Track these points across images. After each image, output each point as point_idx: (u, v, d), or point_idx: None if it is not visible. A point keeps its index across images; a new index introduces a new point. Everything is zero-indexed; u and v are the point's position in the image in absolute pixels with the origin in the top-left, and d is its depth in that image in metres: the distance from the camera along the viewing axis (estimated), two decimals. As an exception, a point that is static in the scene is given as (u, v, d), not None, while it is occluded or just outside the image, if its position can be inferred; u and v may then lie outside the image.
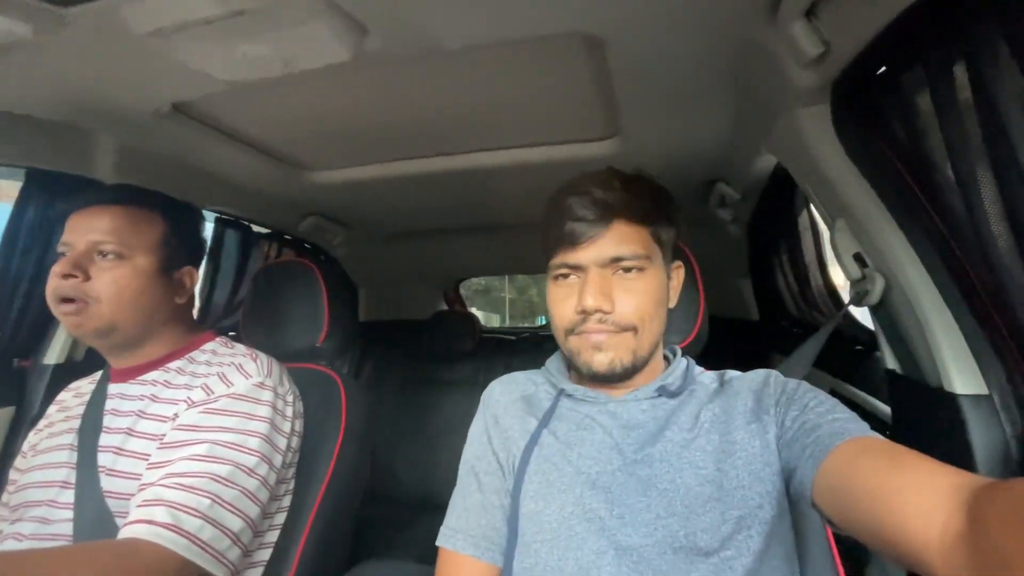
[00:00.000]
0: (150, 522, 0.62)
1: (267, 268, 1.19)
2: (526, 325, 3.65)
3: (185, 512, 0.64)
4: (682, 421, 0.62)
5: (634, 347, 0.63)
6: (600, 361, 0.62)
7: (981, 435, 0.59)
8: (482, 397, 0.76)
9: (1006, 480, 0.35)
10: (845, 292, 1.02)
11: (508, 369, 1.94)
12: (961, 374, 0.62)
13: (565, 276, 0.65)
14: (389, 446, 1.90)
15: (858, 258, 0.75)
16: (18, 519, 0.75)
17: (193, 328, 0.91)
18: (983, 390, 0.60)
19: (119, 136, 0.96)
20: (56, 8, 0.53)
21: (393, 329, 2.21)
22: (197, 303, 1.45)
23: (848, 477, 0.46)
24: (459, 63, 0.77)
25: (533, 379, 0.76)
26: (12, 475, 0.84)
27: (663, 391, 0.66)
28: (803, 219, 1.10)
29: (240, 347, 0.89)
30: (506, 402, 0.72)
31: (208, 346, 0.88)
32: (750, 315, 1.74)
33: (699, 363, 0.72)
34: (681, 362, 0.70)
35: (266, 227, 1.61)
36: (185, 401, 0.76)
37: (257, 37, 0.60)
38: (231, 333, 1.43)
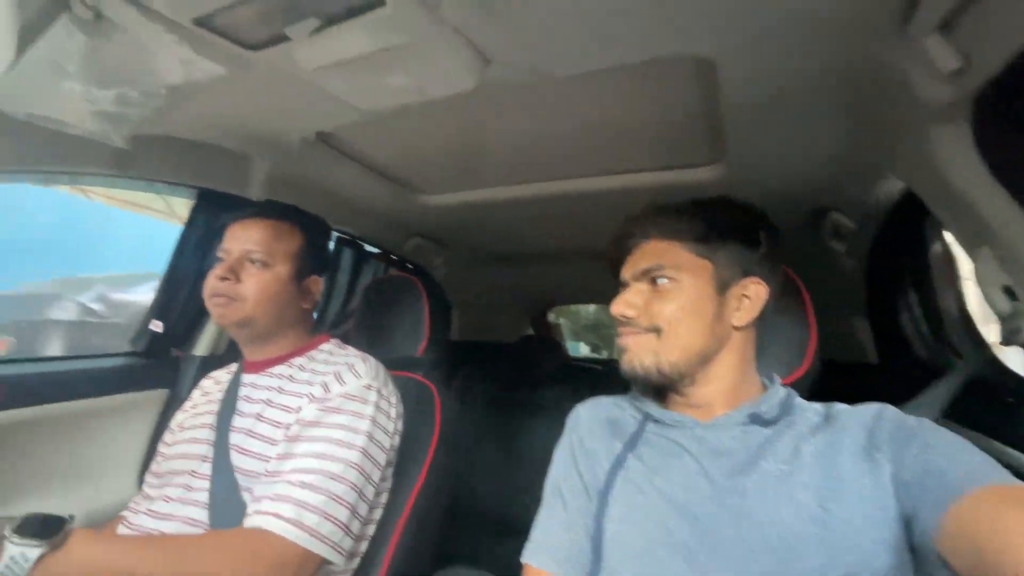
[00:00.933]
0: (278, 516, 0.71)
1: (377, 281, 1.30)
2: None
3: (306, 509, 0.72)
4: (779, 452, 0.59)
5: (655, 348, 0.65)
6: (624, 362, 0.68)
7: None
8: (568, 419, 0.78)
9: None
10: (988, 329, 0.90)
11: (595, 396, 1.91)
12: None
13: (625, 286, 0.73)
14: (471, 463, 1.93)
15: (1008, 291, 0.67)
16: (165, 484, 0.87)
17: (313, 330, 1.02)
18: None
19: (269, 161, 1.12)
20: (246, 52, 0.65)
21: (481, 349, 2.28)
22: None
23: (985, 529, 0.41)
24: (567, 89, 0.82)
25: (619, 403, 0.76)
26: (161, 448, 0.97)
27: (755, 418, 0.63)
28: (935, 249, 0.99)
29: (352, 349, 0.98)
30: (591, 424, 0.73)
31: (325, 347, 0.98)
32: (867, 358, 1.58)
33: None
34: (778, 390, 0.67)
35: (375, 246, 1.76)
36: (307, 396, 0.85)
37: (398, 69, 0.69)
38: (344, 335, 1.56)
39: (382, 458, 0.85)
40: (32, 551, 0.53)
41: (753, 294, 0.68)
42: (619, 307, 0.68)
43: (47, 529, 0.55)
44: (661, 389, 0.70)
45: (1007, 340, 0.68)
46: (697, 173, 1.10)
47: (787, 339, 0.80)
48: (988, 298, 0.71)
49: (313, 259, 0.99)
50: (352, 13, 0.56)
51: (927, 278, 1.05)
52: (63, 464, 1.04)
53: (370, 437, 0.83)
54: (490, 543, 1.68)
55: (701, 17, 0.61)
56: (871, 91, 0.72)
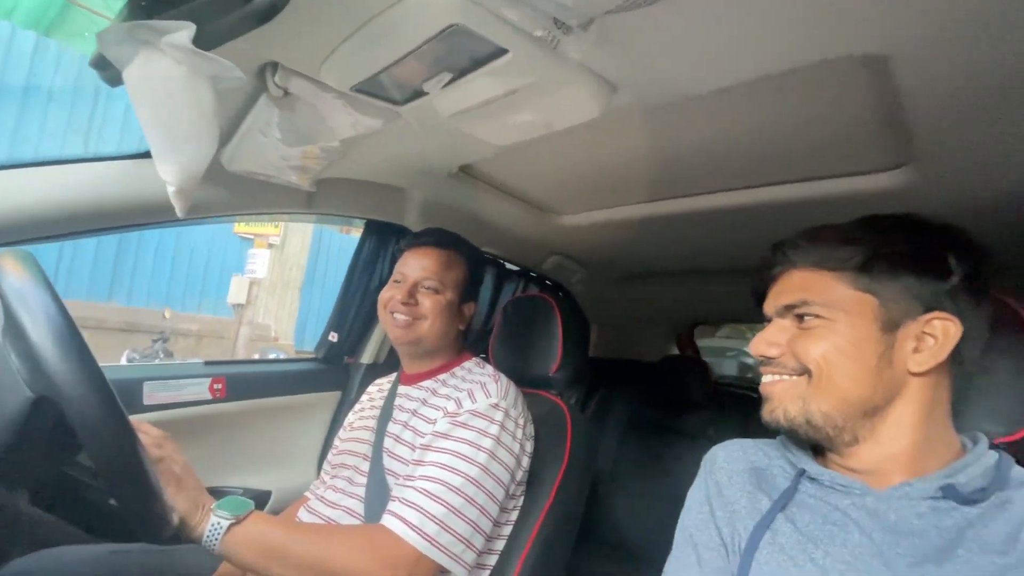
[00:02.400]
0: (400, 518, 0.78)
1: (514, 301, 1.35)
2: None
3: (427, 517, 0.78)
4: (988, 539, 0.47)
5: (803, 394, 0.56)
6: (766, 411, 0.60)
7: None
8: (703, 461, 0.70)
9: None
10: None
11: (743, 426, 1.76)
12: None
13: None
14: (609, 484, 1.89)
15: None
16: (336, 475, 1.01)
17: (462, 349, 1.10)
18: None
19: (421, 192, 1.24)
20: (395, 106, 0.74)
21: (622, 368, 2.22)
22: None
23: None
24: (710, 105, 0.76)
25: (765, 450, 0.66)
26: (336, 442, 1.14)
27: (950, 491, 0.50)
28: None
29: (489, 368, 1.04)
30: (731, 471, 0.65)
31: (467, 364, 1.05)
32: None
33: None
34: (986, 454, 0.53)
35: (515, 264, 1.84)
36: (442, 410, 0.92)
37: (524, 107, 0.72)
38: (482, 355, 1.66)
39: (506, 476, 0.88)
40: (224, 522, 0.68)
41: (940, 332, 0.54)
42: (759, 346, 0.61)
43: (239, 506, 0.70)
44: (816, 447, 0.60)
45: None
46: (876, 180, 0.93)
47: (1009, 387, 0.63)
48: None
49: (472, 286, 1.09)
50: (479, 63, 0.61)
51: None
52: (262, 449, 1.29)
53: (492, 455, 0.86)
54: (624, 570, 1.62)
55: (860, 14, 0.53)
56: None
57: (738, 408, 1.82)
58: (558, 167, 1.10)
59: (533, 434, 1.00)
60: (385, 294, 1.02)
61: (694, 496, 0.68)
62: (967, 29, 0.53)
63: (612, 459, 1.93)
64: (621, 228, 1.37)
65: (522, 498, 0.97)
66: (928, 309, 0.54)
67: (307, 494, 1.08)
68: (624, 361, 2.25)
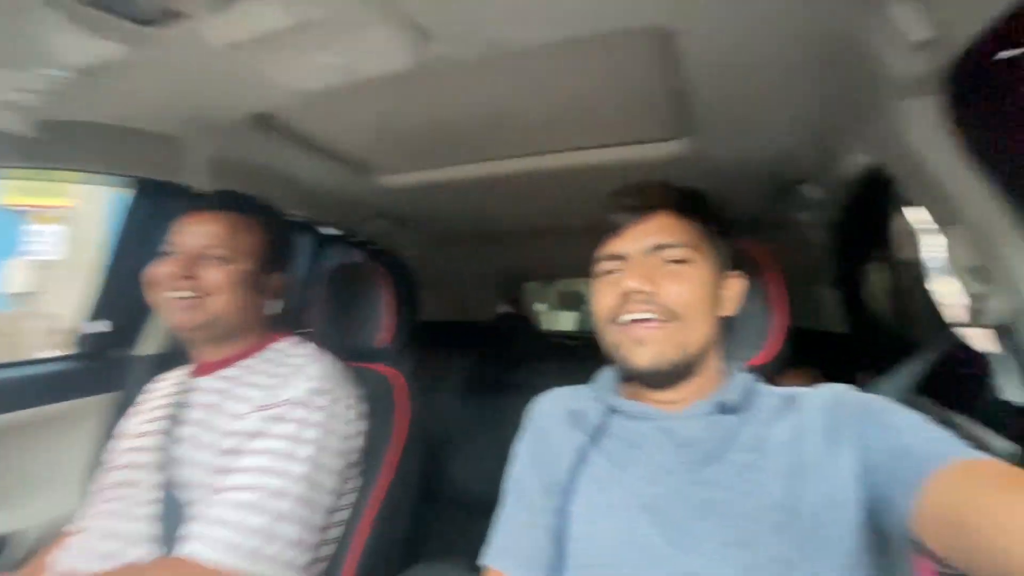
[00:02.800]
0: (211, 542, 0.66)
1: (334, 270, 1.24)
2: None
3: (244, 533, 0.67)
4: (745, 440, 0.57)
5: (680, 340, 0.59)
6: (642, 355, 0.59)
7: None
8: (527, 412, 0.74)
9: None
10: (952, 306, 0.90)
11: (569, 374, 1.90)
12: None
13: (610, 272, 0.64)
14: (448, 447, 1.92)
15: (978, 271, 0.65)
16: (112, 499, 0.82)
17: (270, 328, 0.96)
18: None
19: (208, 146, 1.03)
20: (142, 28, 0.57)
21: (455, 330, 2.24)
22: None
23: (962, 506, 0.41)
24: (523, 64, 0.76)
25: (581, 394, 0.72)
26: (107, 458, 0.91)
27: (722, 407, 0.61)
28: (900, 224, 0.97)
29: (308, 347, 0.92)
30: (552, 417, 0.70)
31: (279, 344, 0.92)
32: (835, 327, 1.59)
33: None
34: (742, 376, 0.65)
35: (336, 229, 1.68)
36: (250, 402, 0.80)
37: (323, 47, 0.61)
38: (308, 329, 1.50)
39: (338, 463, 0.81)
40: None
41: (739, 287, 0.66)
42: (637, 279, 0.59)
43: None
44: (653, 381, 0.64)
45: (975, 320, 0.66)
46: (665, 147, 1.05)
47: (753, 320, 0.78)
48: (959, 277, 0.69)
49: (277, 254, 0.92)
50: (259, -16, 0.49)
51: (891, 253, 1.04)
52: (2, 481, 0.98)
53: (320, 445, 0.78)
54: (467, 526, 1.69)
55: None
56: (840, 63, 0.68)
57: (564, 356, 1.99)
58: (377, 123, 1.00)
59: (365, 412, 0.94)
60: (155, 271, 0.83)
61: (520, 448, 0.72)
62: (740, 13, 0.60)
63: (453, 420, 1.97)
64: (444, 189, 1.33)
65: (360, 479, 0.91)
66: (726, 267, 0.65)
67: (71, 528, 0.86)
68: (459, 323, 2.27)
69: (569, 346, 2.14)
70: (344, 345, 1.13)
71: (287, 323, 1.51)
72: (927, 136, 0.65)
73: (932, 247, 0.88)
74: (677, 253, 0.60)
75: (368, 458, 0.95)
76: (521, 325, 2.04)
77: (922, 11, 0.52)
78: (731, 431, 0.59)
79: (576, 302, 3.93)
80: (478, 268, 2.20)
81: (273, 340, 0.93)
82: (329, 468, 0.79)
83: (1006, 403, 0.68)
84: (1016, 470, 0.41)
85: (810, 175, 1.07)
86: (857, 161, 0.95)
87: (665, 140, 1.03)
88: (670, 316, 0.59)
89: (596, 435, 0.64)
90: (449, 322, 2.27)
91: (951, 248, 0.68)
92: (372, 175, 1.29)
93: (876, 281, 1.19)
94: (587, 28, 0.64)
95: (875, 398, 0.54)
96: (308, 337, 1.06)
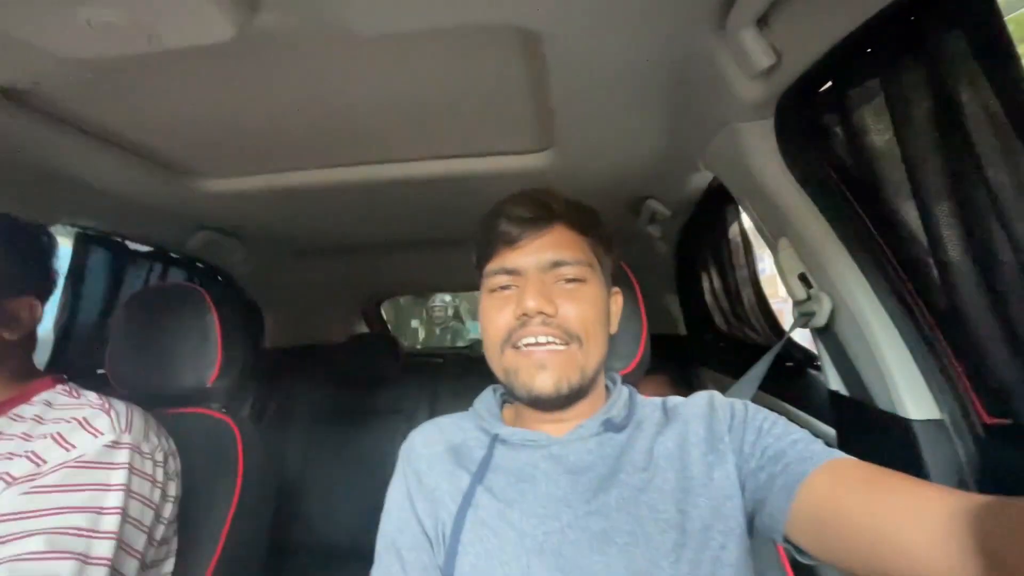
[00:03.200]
0: None
1: (141, 294, 0.99)
2: (459, 345, 3.55)
3: None
4: (635, 459, 0.55)
5: (581, 363, 0.56)
6: (544, 382, 0.55)
7: (936, 460, 0.58)
8: (401, 452, 0.64)
9: (1006, 498, 0.34)
10: (781, 310, 1.02)
11: (435, 395, 1.79)
12: (914, 398, 0.60)
13: (503, 288, 0.59)
14: (299, 490, 1.69)
15: (803, 278, 0.74)
16: None
17: (29, 373, 0.71)
18: (936, 415, 0.59)
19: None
20: None
21: (306, 356, 2.00)
22: (51, 339, 1.20)
23: (831, 507, 0.43)
24: (375, 57, 0.67)
25: (460, 424, 0.65)
26: None
27: (609, 425, 0.58)
28: (734, 234, 1.09)
29: (90, 396, 0.71)
30: (430, 455, 0.61)
31: (42, 396, 0.69)
32: (678, 330, 1.76)
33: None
34: (623, 390, 0.63)
35: (147, 244, 1.37)
36: (2, 478, 0.57)
37: (105, 1, 0.46)
38: (99, 371, 1.18)
39: (142, 538, 0.64)
40: None
41: (616, 303, 0.64)
42: (538, 300, 0.54)
43: None
44: (552, 405, 0.59)
45: (803, 323, 0.75)
46: (526, 160, 1.03)
47: (622, 330, 0.79)
48: (786, 284, 0.77)
49: (16, 272, 0.69)
50: None
51: (727, 261, 1.16)
52: None
53: (123, 515, 0.60)
54: (327, 572, 1.49)
55: None
56: (691, 83, 0.71)
57: (427, 376, 1.89)
58: (191, 113, 0.81)
59: (179, 469, 0.75)
60: None
61: (393, 496, 0.61)
62: (605, 23, 0.59)
63: (301, 457, 1.73)
64: (285, 197, 1.16)
65: (175, 544, 0.73)
66: (610, 284, 0.63)
67: None
68: (308, 347, 2.03)
69: (435, 365, 2.04)
70: (156, 388, 0.91)
71: (65, 363, 1.19)
72: (760, 157, 0.71)
73: (762, 257, 1.00)
74: (574, 271, 0.57)
75: (200, 518, 0.81)
76: (381, 345, 1.88)
77: (765, 37, 0.56)
78: (621, 450, 0.56)
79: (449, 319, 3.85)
80: (328, 286, 1.99)
81: (39, 389, 0.69)
82: (132, 544, 0.61)
83: (832, 394, 0.77)
84: (879, 468, 0.43)
85: (659, 192, 1.15)
86: (701, 179, 1.04)
87: (530, 152, 1.02)
88: (570, 339, 0.56)
89: (481, 472, 0.57)
90: (300, 347, 2.02)
91: (780, 257, 0.76)
92: (194, 178, 1.07)
93: (712, 286, 1.32)
94: (444, 19, 0.58)
95: (743, 403, 0.56)
96: (105, 381, 0.83)
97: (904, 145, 0.51)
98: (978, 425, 0.57)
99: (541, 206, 0.58)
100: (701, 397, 0.60)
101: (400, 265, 1.85)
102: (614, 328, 0.63)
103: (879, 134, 0.59)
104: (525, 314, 0.54)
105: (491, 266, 0.59)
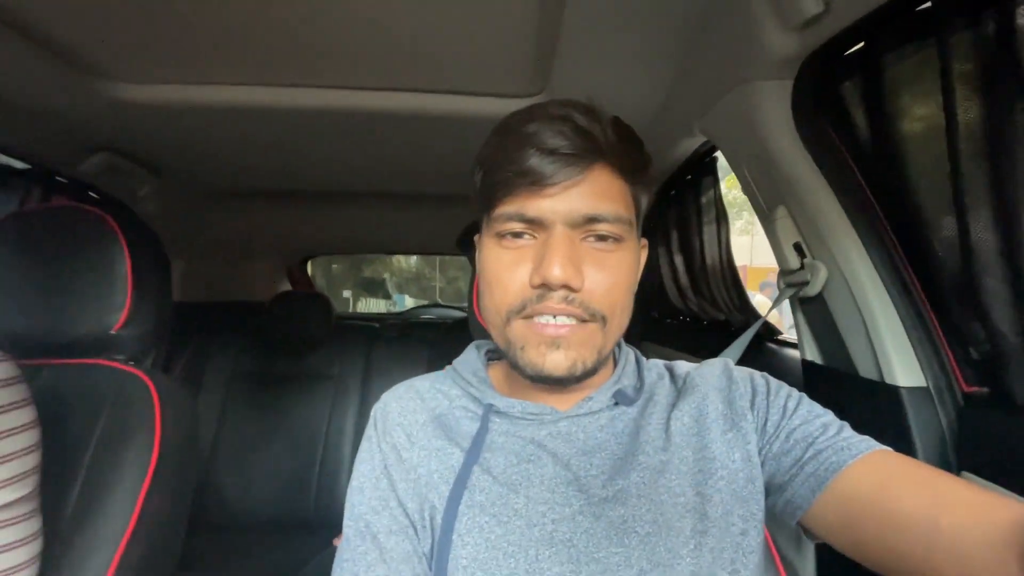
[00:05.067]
0: None
1: (22, 215, 0.79)
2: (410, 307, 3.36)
3: None
4: (653, 437, 0.49)
5: (600, 345, 0.47)
6: (556, 362, 0.45)
7: (920, 426, 0.60)
8: (373, 419, 0.54)
9: None
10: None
11: (368, 361, 1.65)
12: (903, 367, 0.62)
13: (516, 235, 0.46)
14: (211, 460, 1.51)
15: (797, 248, 0.74)
16: None
17: None
18: (922, 382, 0.61)
19: None
20: None
21: (219, 313, 1.77)
22: None
23: (877, 504, 0.40)
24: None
25: (442, 389, 0.55)
26: None
27: (620, 397, 0.51)
28: (708, 208, 1.10)
29: None
30: (410, 426, 0.52)
31: None
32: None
33: None
34: (629, 353, 0.57)
35: (25, 161, 1.11)
36: None
37: None
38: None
39: None
40: None
41: (644, 256, 0.54)
42: (563, 271, 0.43)
43: None
44: (560, 385, 0.49)
45: (795, 293, 0.75)
46: (513, 105, 0.95)
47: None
48: (779, 253, 0.77)
49: None
50: None
51: (694, 236, 1.16)
52: None
53: None
54: (245, 558, 1.35)
55: None
56: (715, 32, 0.67)
57: (360, 340, 1.75)
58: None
59: (35, 419, 0.63)
60: None
61: (364, 471, 0.52)
62: None
63: (214, 427, 1.55)
64: (212, 118, 0.98)
65: (36, 513, 0.62)
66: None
67: None
68: (225, 304, 1.81)
69: (368, 328, 1.90)
70: (41, 332, 0.74)
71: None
72: (774, 118, 0.69)
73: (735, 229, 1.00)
74: (610, 229, 0.45)
75: (108, 488, 0.70)
76: (311, 305, 1.71)
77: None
78: (636, 426, 0.50)
79: (380, 289, 3.65)
80: (253, 236, 1.77)
81: None
82: None
83: (807, 363, 0.79)
84: (926, 467, 0.42)
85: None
86: (686, 147, 1.01)
87: (518, 97, 0.93)
88: (593, 317, 0.46)
89: (476, 449, 0.49)
90: (215, 303, 1.79)
91: (777, 226, 0.76)
92: (92, 79, 0.86)
93: (670, 262, 1.33)
94: None
95: (762, 376, 0.52)
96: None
97: (923, 119, 0.51)
98: (959, 393, 0.60)
99: (585, 136, 0.44)
100: (715, 366, 0.55)
101: (345, 219, 1.68)
102: (635, 287, 0.53)
103: (897, 105, 0.59)
104: (545, 284, 0.44)
105: (505, 208, 0.45)
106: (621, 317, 0.48)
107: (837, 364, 0.73)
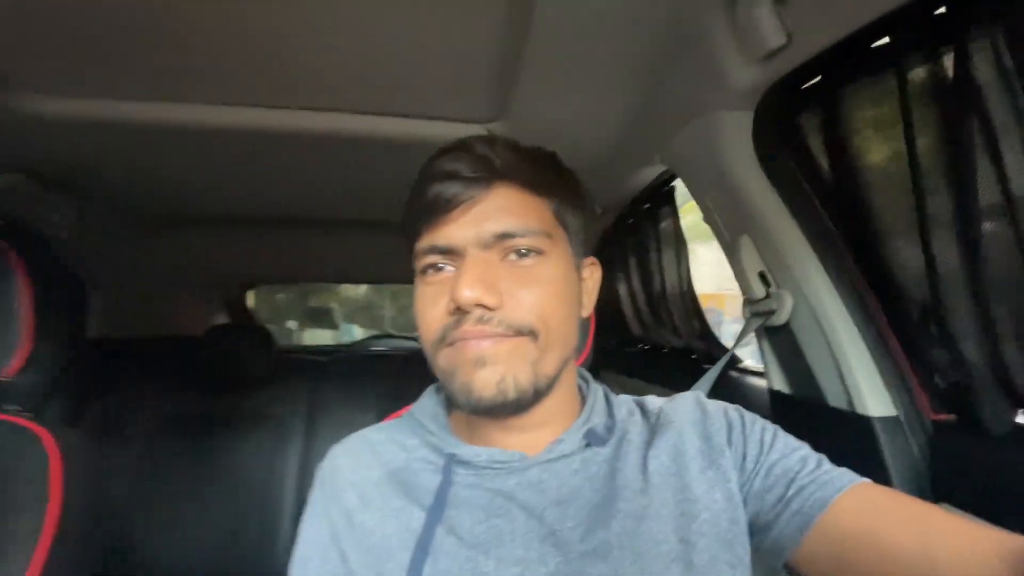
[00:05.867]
0: None
1: None
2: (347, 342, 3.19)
3: None
4: (630, 479, 0.45)
5: (534, 358, 0.43)
6: (484, 380, 0.42)
7: (894, 456, 0.59)
8: (319, 477, 0.49)
9: None
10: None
11: (314, 399, 1.54)
12: (873, 396, 0.62)
13: (436, 269, 0.45)
14: (138, 516, 1.34)
15: (762, 277, 0.73)
16: None
17: None
18: (892, 411, 0.61)
19: None
20: None
21: (147, 350, 1.61)
22: None
23: (866, 540, 0.38)
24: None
25: (398, 439, 0.50)
26: None
27: (592, 437, 0.48)
28: (667, 236, 1.10)
29: None
30: (363, 484, 0.47)
31: None
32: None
33: None
34: (598, 391, 0.53)
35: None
36: None
37: None
38: None
39: None
40: None
41: (593, 276, 0.52)
42: (473, 290, 0.41)
43: None
44: (500, 412, 0.45)
45: (760, 322, 0.74)
46: (468, 131, 0.92)
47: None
48: (744, 282, 0.77)
49: None
50: None
51: (653, 263, 1.16)
52: None
53: None
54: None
55: None
56: (678, 63, 0.68)
57: (306, 376, 1.63)
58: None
59: None
60: None
61: (309, 537, 0.46)
62: None
63: (140, 478, 1.38)
64: (137, 138, 0.88)
65: None
66: (583, 251, 0.50)
67: None
68: (153, 339, 1.65)
69: (315, 364, 1.78)
70: None
71: None
72: (736, 149, 0.70)
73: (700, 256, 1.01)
74: (527, 243, 0.44)
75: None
76: (249, 338, 1.58)
77: (779, 19, 0.53)
78: (611, 469, 0.46)
79: (328, 319, 3.47)
80: (193, 265, 1.64)
81: None
82: None
83: (775, 393, 0.78)
84: (912, 499, 0.41)
85: (597, 185, 1.10)
86: (647, 174, 1.02)
87: (474, 123, 0.91)
88: (519, 332, 0.43)
89: (438, 506, 0.44)
90: (141, 339, 1.62)
91: (741, 255, 0.75)
92: (5, 90, 0.76)
93: (630, 289, 1.33)
94: None
95: (739, 411, 0.50)
96: None
97: (879, 150, 0.52)
98: (927, 421, 0.60)
99: (478, 160, 0.44)
100: (687, 400, 0.52)
101: (288, 247, 1.58)
102: (588, 309, 0.52)
103: (855, 136, 0.60)
104: (460, 307, 0.42)
105: (421, 243, 0.45)
106: (559, 331, 0.45)
107: (805, 394, 0.72)
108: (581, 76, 0.73)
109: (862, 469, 0.44)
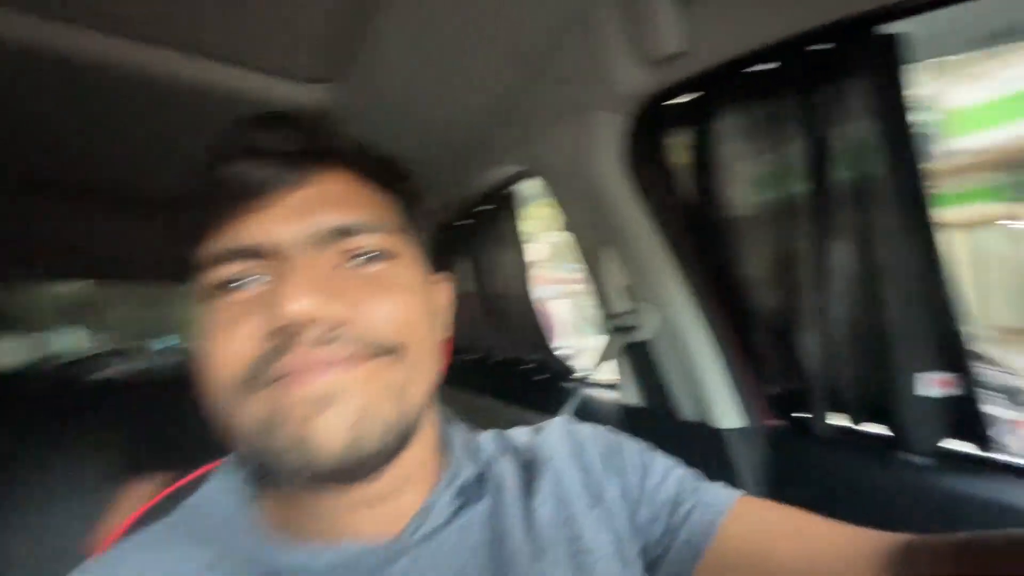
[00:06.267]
0: None
1: None
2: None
3: None
4: (519, 540, 0.36)
5: (399, 384, 0.31)
6: (331, 428, 0.28)
7: (743, 464, 0.63)
8: None
9: (919, 537, 0.34)
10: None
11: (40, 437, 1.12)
12: (725, 409, 0.65)
13: (236, 285, 0.31)
14: None
15: (630, 290, 0.72)
16: None
17: None
18: (739, 423, 0.65)
19: None
20: None
21: None
22: None
23: (754, 557, 0.38)
24: None
25: (174, 555, 0.32)
26: None
27: (467, 494, 0.37)
28: (509, 247, 1.04)
29: None
30: None
31: None
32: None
33: None
34: (459, 429, 0.43)
35: None
36: None
37: None
38: None
39: None
40: None
41: (449, 295, 0.42)
42: (308, 297, 0.28)
43: None
44: (351, 476, 0.30)
45: (625, 336, 0.73)
46: (294, 90, 0.72)
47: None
48: (604, 296, 0.74)
49: None
50: None
51: (495, 273, 1.10)
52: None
53: None
54: None
55: None
56: (560, 52, 0.61)
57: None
58: None
59: None
60: None
61: None
62: None
63: None
64: None
65: None
66: (429, 266, 0.39)
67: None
68: None
69: (13, 397, 1.22)
70: None
71: None
72: (607, 157, 0.66)
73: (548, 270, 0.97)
74: (373, 242, 0.33)
75: None
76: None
77: (682, 23, 0.51)
78: (494, 530, 0.37)
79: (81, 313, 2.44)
80: None
81: None
82: None
83: (629, 408, 0.78)
84: (784, 509, 0.41)
85: (438, 181, 0.99)
86: (492, 176, 0.94)
87: (301, 81, 0.71)
88: (378, 351, 0.31)
89: None
90: None
91: (604, 268, 0.73)
92: None
93: (471, 308, 1.24)
94: None
95: (605, 432, 0.45)
96: None
97: (743, 171, 0.54)
98: (764, 427, 0.65)
99: (309, 133, 0.33)
100: (555, 429, 0.45)
101: (41, 225, 1.06)
102: (445, 332, 0.41)
103: (722, 155, 0.62)
104: (285, 328, 0.29)
105: (210, 246, 0.31)
106: (424, 346, 0.34)
107: (658, 406, 0.73)
108: (440, 49, 0.62)
109: (716, 479, 0.44)
